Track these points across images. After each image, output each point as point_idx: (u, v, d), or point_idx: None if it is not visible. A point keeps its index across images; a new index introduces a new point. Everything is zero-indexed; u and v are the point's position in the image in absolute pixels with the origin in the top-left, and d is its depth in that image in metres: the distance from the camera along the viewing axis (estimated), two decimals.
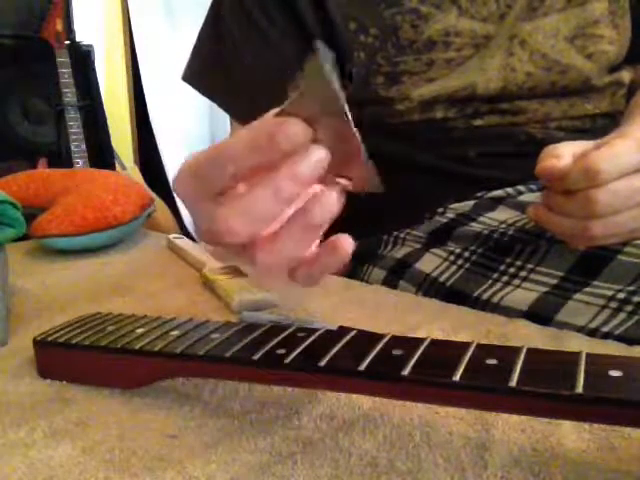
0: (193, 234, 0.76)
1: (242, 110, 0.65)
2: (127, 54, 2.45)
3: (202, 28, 0.70)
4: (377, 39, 0.59)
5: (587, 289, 0.47)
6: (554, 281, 0.49)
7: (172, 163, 2.44)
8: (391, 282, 0.62)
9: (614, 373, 0.23)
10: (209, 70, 0.69)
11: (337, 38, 0.61)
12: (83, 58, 2.20)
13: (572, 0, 0.61)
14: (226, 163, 0.29)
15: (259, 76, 0.65)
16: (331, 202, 0.29)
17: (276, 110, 0.28)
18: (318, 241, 0.33)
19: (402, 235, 0.64)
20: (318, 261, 0.32)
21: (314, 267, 0.32)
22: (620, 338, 0.43)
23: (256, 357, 0.28)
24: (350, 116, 0.27)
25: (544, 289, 0.49)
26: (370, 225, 0.67)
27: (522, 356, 0.25)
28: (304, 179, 0.28)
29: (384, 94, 0.61)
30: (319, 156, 0.28)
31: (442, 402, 0.26)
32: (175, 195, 0.32)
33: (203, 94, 0.70)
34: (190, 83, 0.70)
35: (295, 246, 0.30)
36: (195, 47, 0.71)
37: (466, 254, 0.56)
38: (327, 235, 0.35)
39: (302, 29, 0.62)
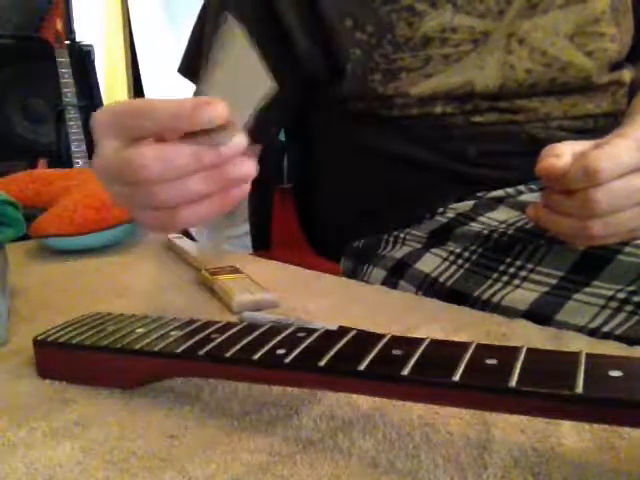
0: (193, 234, 0.76)
1: None
2: (127, 54, 2.46)
3: (194, 24, 0.73)
4: (373, 36, 0.59)
5: (587, 289, 0.47)
6: (554, 281, 0.49)
7: None
8: (391, 282, 0.62)
9: (614, 373, 0.23)
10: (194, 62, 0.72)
11: (331, 33, 0.61)
12: (83, 58, 2.21)
13: None
14: (145, 118, 0.33)
15: None
16: (245, 165, 0.34)
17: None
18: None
19: (402, 235, 0.64)
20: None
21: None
22: (620, 338, 0.43)
23: (256, 357, 0.28)
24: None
25: (544, 289, 0.49)
26: (370, 225, 0.67)
27: (522, 356, 0.25)
28: (225, 156, 0.33)
29: (381, 91, 0.61)
30: (241, 142, 0.33)
31: (442, 402, 0.26)
32: (93, 132, 0.35)
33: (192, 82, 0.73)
34: (181, 74, 0.74)
35: (214, 204, 0.35)
36: (188, 41, 0.74)
37: (466, 254, 0.56)
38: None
39: (277, 30, 0.62)
